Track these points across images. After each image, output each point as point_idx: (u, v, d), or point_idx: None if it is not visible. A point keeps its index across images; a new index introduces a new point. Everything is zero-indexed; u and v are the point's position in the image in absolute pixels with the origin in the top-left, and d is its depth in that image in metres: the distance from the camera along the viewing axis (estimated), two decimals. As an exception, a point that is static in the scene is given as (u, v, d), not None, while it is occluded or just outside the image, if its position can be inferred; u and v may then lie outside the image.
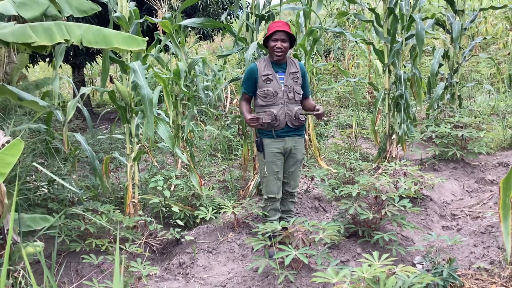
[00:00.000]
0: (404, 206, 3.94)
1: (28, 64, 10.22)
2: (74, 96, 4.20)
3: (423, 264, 3.52)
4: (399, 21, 5.92)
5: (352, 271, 2.70)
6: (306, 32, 5.78)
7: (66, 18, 4.26)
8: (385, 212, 3.91)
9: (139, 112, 4.36)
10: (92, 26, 3.39)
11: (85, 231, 3.95)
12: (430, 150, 6.48)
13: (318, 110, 3.96)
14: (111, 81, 4.23)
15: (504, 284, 3.01)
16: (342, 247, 4.01)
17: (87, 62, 11.13)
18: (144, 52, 4.27)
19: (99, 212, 4.07)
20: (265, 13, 5.20)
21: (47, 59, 10.64)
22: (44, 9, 3.62)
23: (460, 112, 6.95)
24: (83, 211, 3.88)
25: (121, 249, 3.94)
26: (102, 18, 8.46)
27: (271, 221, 3.93)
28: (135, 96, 4.31)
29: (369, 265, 2.71)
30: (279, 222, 3.76)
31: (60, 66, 12.23)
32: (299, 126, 4.04)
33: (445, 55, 7.12)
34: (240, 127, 5.68)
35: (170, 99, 5.16)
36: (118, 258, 1.49)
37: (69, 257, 3.81)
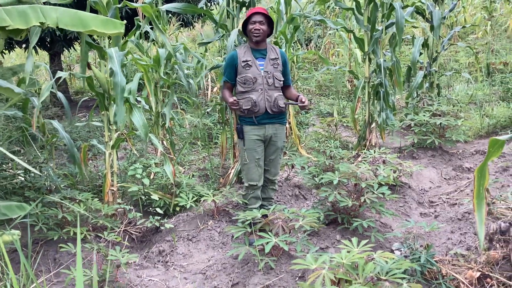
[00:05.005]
0: (383, 194, 3.98)
1: (4, 51, 10.00)
2: (52, 83, 4.10)
3: (401, 250, 3.56)
4: (379, 9, 5.93)
5: (331, 257, 2.72)
6: (287, 19, 5.76)
7: (43, 3, 4.16)
8: (364, 199, 3.94)
9: (115, 98, 4.29)
10: (69, 9, 3.31)
11: (63, 219, 3.90)
12: (409, 138, 6.53)
13: (303, 101, 3.94)
14: (89, 67, 4.15)
15: (480, 269, 3.06)
16: (321, 234, 4.03)
17: (64, 49, 10.94)
18: (122, 36, 4.20)
19: (77, 200, 4.02)
20: (246, -1, 5.16)
21: (24, 45, 10.44)
22: (19, -6, 3.53)
23: (438, 100, 7.02)
24: (61, 199, 3.82)
25: (99, 237, 3.91)
26: (80, 3, 8.31)
27: (252, 209, 3.93)
28: (113, 83, 4.24)
29: (348, 252, 2.73)
30: (260, 210, 3.76)
31: (37, 52, 11.99)
32: (278, 113, 4.03)
33: (425, 44, 7.17)
34: (220, 115, 5.65)
35: (152, 85, 5.09)
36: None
37: (46, 246, 3.76)
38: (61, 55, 12.15)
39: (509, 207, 4.06)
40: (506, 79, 9.06)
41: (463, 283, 3.00)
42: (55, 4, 4.19)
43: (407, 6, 6.36)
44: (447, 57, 11.80)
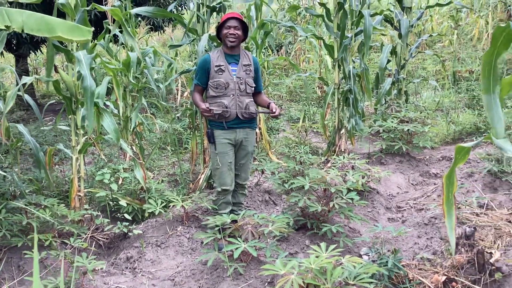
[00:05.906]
0: (352, 199, 4.01)
1: (-33, 53, 9.76)
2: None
3: (369, 255, 3.60)
4: (349, 16, 6.01)
5: (300, 263, 2.72)
6: (258, 25, 5.78)
7: (9, 5, 4.06)
8: (333, 204, 3.97)
9: (85, 103, 4.22)
10: (35, 13, 3.23)
11: (28, 225, 3.81)
12: (377, 144, 6.62)
13: (273, 111, 3.96)
14: (56, 70, 4.07)
15: (446, 273, 3.11)
16: (291, 239, 4.04)
17: (31, 52, 10.73)
18: (91, 40, 4.14)
19: (43, 206, 3.93)
20: (216, 4, 5.15)
21: (-11, 47, 10.19)
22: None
23: (406, 107, 7.15)
24: (26, 205, 3.73)
25: (65, 244, 3.83)
26: (47, 6, 8.16)
27: (222, 214, 3.91)
28: (81, 87, 4.17)
29: (317, 257, 2.74)
30: (229, 215, 3.75)
31: (3, 55, 11.72)
32: (249, 119, 4.04)
33: (393, 51, 7.29)
34: (190, 120, 5.61)
35: (120, 89, 5.02)
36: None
37: (10, 253, 3.66)
38: (28, 57, 11.92)
39: (474, 212, 4.15)
40: (472, 86, 9.28)
41: (429, 287, 3.04)
42: (22, 4, 4.10)
43: (376, 14, 6.47)
44: (415, 65, 12.02)
